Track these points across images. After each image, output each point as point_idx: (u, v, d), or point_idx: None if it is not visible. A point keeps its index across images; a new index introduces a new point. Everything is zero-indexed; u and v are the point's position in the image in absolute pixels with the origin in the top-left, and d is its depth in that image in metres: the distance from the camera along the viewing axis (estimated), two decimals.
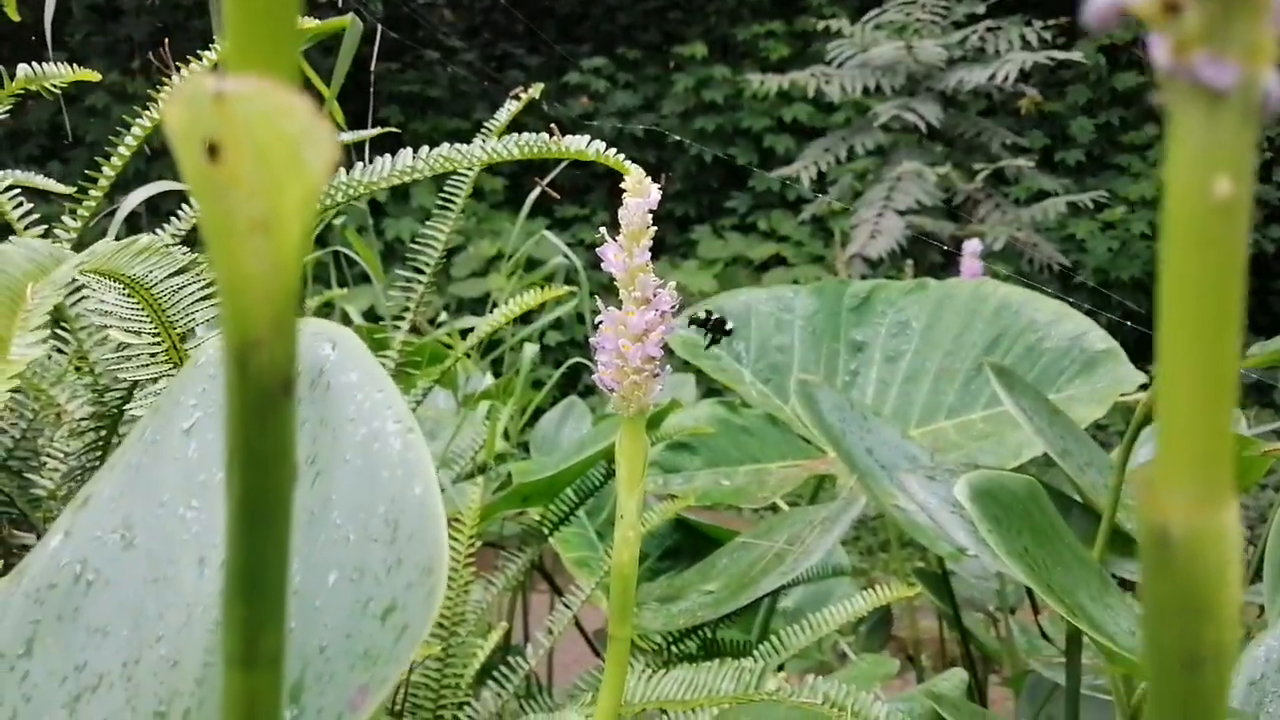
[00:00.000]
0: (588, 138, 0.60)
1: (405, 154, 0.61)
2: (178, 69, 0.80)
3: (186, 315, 0.51)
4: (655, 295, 0.41)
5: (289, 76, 0.12)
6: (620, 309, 0.41)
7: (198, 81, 0.12)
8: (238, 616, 0.14)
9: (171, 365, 0.52)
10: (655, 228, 0.41)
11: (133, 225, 1.08)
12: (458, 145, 0.61)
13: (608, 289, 0.44)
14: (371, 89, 1.49)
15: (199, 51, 0.83)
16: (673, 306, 0.41)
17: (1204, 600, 0.15)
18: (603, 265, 0.42)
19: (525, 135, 0.61)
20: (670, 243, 5.31)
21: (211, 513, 0.26)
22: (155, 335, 0.52)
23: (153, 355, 0.53)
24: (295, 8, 0.12)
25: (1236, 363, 0.15)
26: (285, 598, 0.14)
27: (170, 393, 0.29)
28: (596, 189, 5.29)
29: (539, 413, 1.71)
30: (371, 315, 2.43)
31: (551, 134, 0.60)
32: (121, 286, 0.49)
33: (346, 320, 1.91)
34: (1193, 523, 0.15)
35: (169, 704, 0.23)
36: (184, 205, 0.85)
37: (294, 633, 0.23)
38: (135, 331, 0.52)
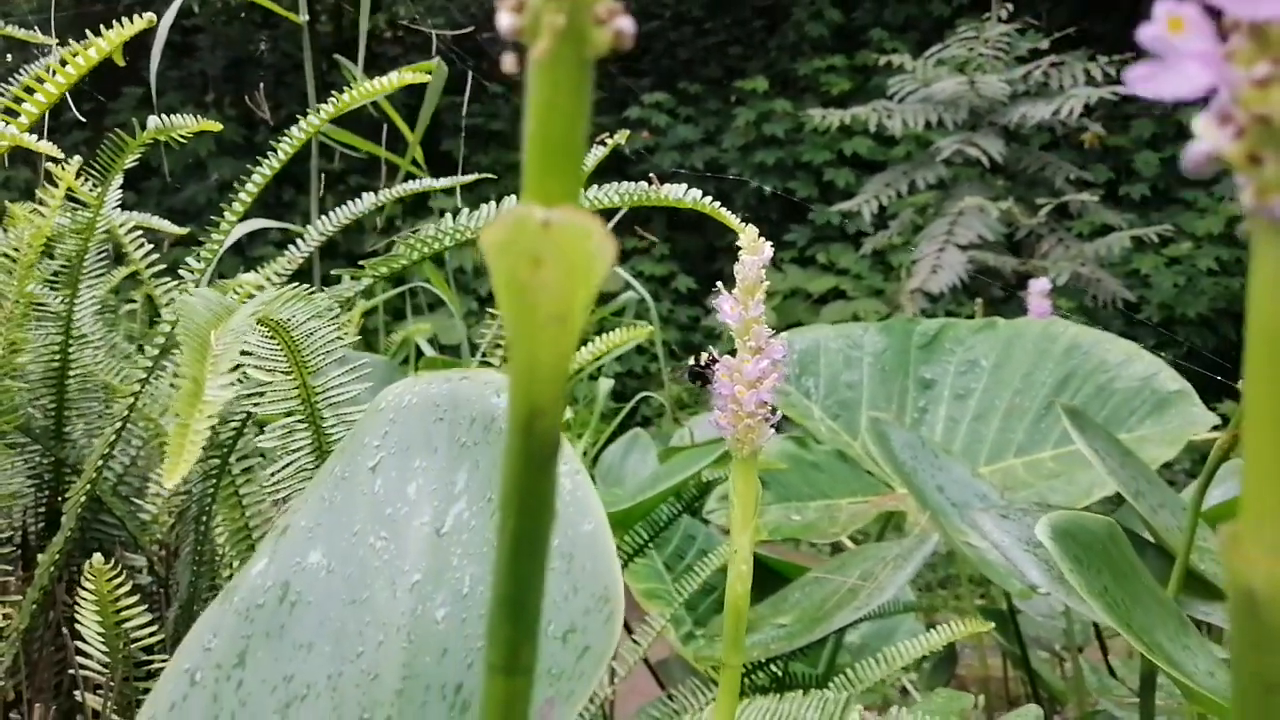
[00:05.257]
0: (685, 186, 0.63)
1: (510, 202, 0.65)
2: (261, 109, 0.84)
3: (319, 355, 0.55)
4: (767, 345, 0.44)
5: (577, 200, 0.15)
6: (734, 357, 0.44)
7: (519, 212, 0.15)
8: (504, 635, 0.17)
9: (300, 401, 0.56)
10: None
11: (233, 249, 1.13)
12: None
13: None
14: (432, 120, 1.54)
15: (301, 109, 0.87)
16: (784, 355, 0.44)
17: None
18: (719, 316, 0.45)
19: (627, 184, 0.65)
20: (729, 275, 5.31)
21: (399, 543, 0.29)
22: (288, 374, 0.56)
23: (285, 392, 0.56)
24: (582, 148, 0.15)
25: None
26: (540, 618, 0.17)
27: (355, 435, 0.33)
28: (655, 220, 5.34)
29: (600, 443, 1.74)
30: (435, 344, 2.47)
31: (651, 183, 0.64)
32: (265, 329, 0.53)
33: (418, 352, 1.95)
34: (1275, 574, 0.16)
35: (371, 712, 0.26)
36: (292, 243, 0.90)
37: (483, 650, 0.26)
38: (270, 370, 0.55)
